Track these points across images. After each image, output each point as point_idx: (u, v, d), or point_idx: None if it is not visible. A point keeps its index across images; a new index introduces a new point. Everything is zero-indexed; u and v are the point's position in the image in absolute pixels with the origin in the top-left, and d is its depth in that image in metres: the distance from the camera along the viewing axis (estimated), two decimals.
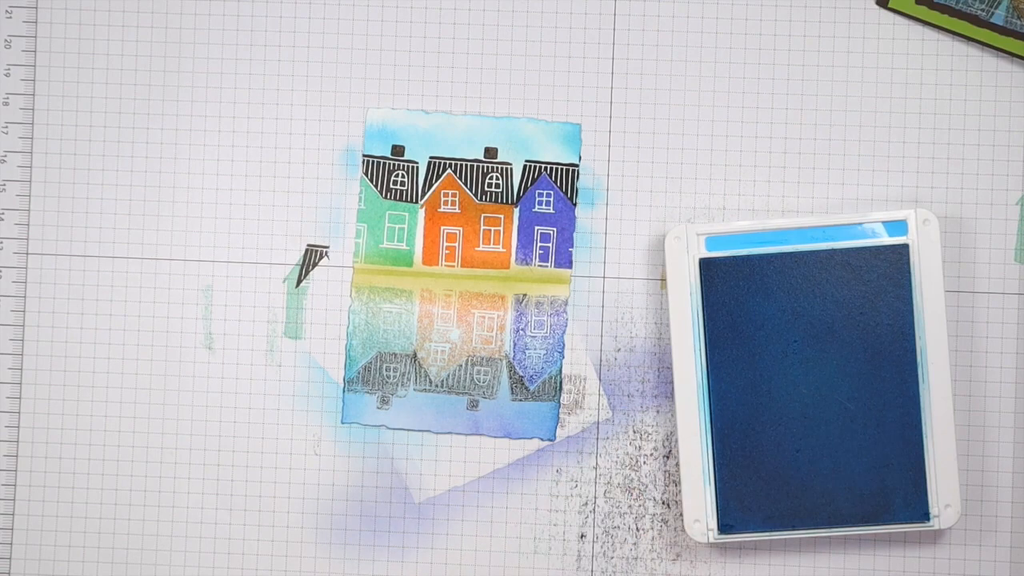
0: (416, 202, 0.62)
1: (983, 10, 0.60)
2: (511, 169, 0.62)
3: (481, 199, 0.62)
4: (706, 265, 0.59)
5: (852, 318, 0.59)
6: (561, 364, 0.62)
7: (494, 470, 0.62)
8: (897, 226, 0.59)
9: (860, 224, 0.59)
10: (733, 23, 0.62)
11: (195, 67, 0.63)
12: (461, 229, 0.62)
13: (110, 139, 0.63)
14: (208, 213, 0.62)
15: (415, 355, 0.62)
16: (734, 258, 0.59)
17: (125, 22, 0.63)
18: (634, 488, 0.61)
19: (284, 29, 0.63)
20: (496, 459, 0.62)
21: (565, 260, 0.62)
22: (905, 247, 0.59)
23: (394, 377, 0.62)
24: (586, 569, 0.61)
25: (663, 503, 0.61)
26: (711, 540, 0.59)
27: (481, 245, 0.62)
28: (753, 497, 0.59)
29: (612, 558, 0.61)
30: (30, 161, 0.63)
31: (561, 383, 0.61)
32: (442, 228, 0.62)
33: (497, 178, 0.62)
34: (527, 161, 0.62)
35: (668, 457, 0.61)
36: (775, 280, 0.59)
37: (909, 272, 0.59)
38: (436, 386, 0.62)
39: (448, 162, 0.62)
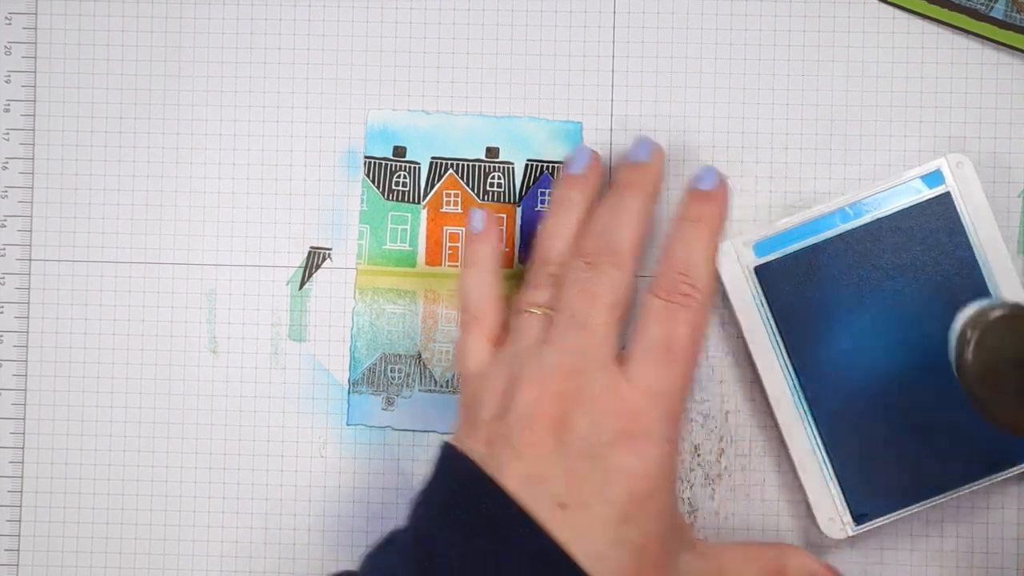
0: (418, 203, 0.62)
1: (983, 4, 0.60)
2: (513, 168, 0.62)
3: (483, 199, 0.62)
4: (762, 271, 0.59)
5: (918, 279, 0.59)
6: None
7: None
8: (933, 177, 0.59)
9: (896, 186, 0.59)
10: (733, 19, 0.62)
11: (195, 71, 0.63)
12: (464, 229, 0.62)
13: (111, 144, 0.63)
14: (210, 217, 0.62)
15: (419, 356, 0.62)
16: (786, 256, 0.59)
17: (125, 27, 0.63)
18: None
19: (284, 32, 0.62)
20: None
21: None
22: (947, 195, 0.59)
23: (399, 378, 0.62)
24: None
25: None
26: (850, 533, 0.59)
27: None
28: (879, 480, 0.59)
29: None
30: (32, 167, 0.63)
31: None
32: (445, 228, 0.62)
33: (499, 177, 0.62)
34: (529, 160, 0.62)
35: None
36: (833, 265, 0.59)
37: (959, 218, 0.59)
38: (441, 386, 0.62)
39: (450, 162, 0.62)
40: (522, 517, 0.49)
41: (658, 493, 0.51)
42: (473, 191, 0.62)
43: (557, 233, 0.56)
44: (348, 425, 0.62)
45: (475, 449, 0.51)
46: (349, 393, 0.62)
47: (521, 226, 0.62)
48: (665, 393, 0.52)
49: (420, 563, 0.49)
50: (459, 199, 0.62)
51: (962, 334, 0.52)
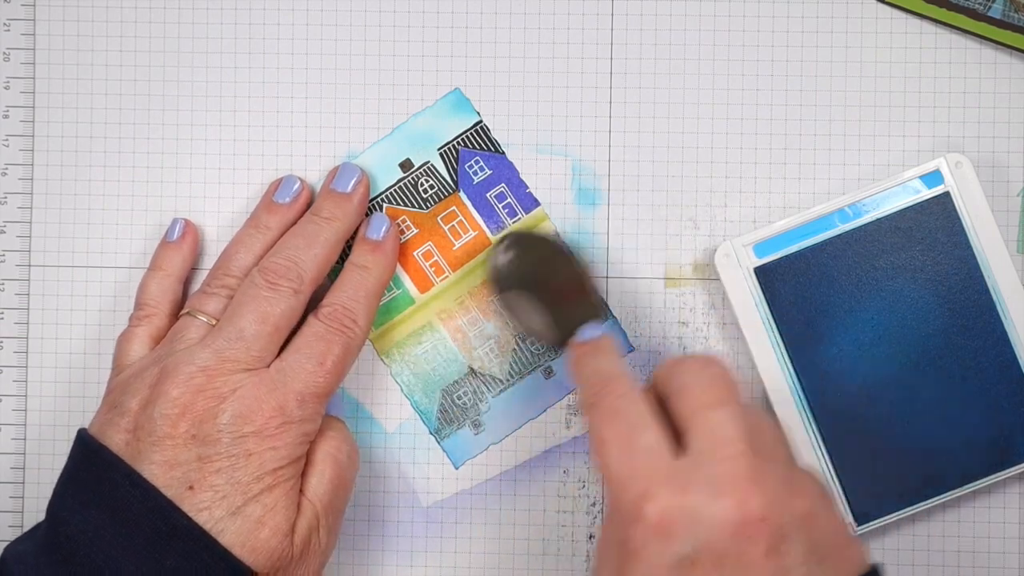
0: None
1: (981, 3, 0.60)
2: (432, 166, 0.62)
3: (427, 207, 0.62)
4: (762, 272, 0.59)
5: (918, 279, 0.59)
6: None
7: (501, 472, 0.62)
8: (932, 177, 0.59)
9: (896, 186, 0.59)
10: (731, 20, 0.62)
11: (193, 76, 0.62)
12: (430, 243, 0.62)
13: (110, 150, 0.63)
14: (210, 222, 0.62)
15: (472, 370, 0.62)
16: (786, 257, 0.59)
17: (123, 32, 0.63)
18: None
19: (283, 36, 0.62)
20: (503, 461, 0.62)
21: (530, 202, 0.62)
22: (946, 195, 0.59)
23: (469, 401, 0.62)
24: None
25: None
26: (853, 534, 0.59)
27: (456, 243, 0.62)
28: (879, 480, 0.59)
29: None
30: (31, 173, 0.63)
31: (601, 298, 0.61)
32: (414, 254, 0.62)
33: (427, 181, 0.62)
34: (439, 149, 0.62)
35: None
36: (833, 266, 0.59)
37: (958, 217, 0.59)
38: (507, 380, 0.62)
39: (379, 200, 0.62)
40: (159, 498, 0.53)
41: (288, 479, 0.55)
42: (413, 207, 0.62)
43: (245, 248, 0.59)
44: (457, 468, 0.62)
45: (117, 436, 0.54)
46: (440, 441, 0.62)
47: (474, 206, 0.62)
48: (313, 394, 0.56)
49: (54, 543, 0.53)
50: (409, 222, 0.62)
51: (489, 264, 0.58)
